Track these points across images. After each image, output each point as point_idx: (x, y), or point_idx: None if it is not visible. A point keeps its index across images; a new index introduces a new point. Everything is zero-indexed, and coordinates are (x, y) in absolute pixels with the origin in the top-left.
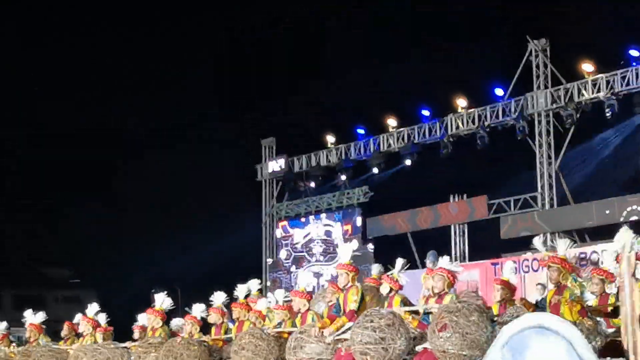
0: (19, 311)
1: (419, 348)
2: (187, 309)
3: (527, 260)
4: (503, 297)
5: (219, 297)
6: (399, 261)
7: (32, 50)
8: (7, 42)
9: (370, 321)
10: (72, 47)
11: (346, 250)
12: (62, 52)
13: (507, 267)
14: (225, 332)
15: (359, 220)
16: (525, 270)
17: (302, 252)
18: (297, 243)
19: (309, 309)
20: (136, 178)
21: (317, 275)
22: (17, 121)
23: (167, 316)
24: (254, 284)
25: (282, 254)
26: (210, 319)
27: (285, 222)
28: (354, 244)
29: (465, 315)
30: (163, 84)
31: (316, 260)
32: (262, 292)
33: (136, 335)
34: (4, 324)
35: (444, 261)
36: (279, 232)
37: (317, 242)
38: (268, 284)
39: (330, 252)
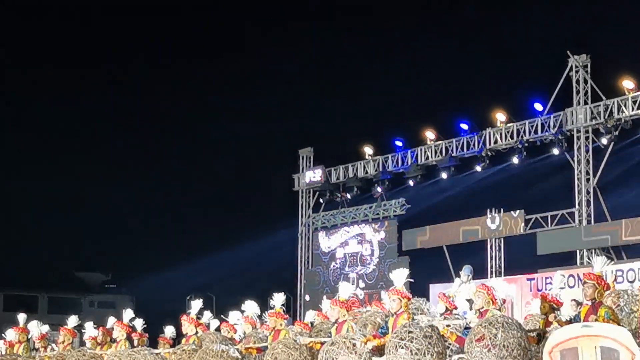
0: (55, 315)
1: (455, 358)
2: (222, 316)
3: (563, 276)
4: (545, 311)
5: (250, 307)
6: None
7: None
8: None
9: (409, 332)
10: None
11: (399, 276)
12: None
13: (557, 280)
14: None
15: (394, 232)
16: (561, 286)
17: (342, 246)
18: (336, 237)
19: (345, 320)
20: (173, 186)
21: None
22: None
23: None
24: (278, 299)
25: (322, 246)
26: (243, 329)
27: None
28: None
29: (504, 330)
30: (204, 92)
31: (351, 256)
32: (286, 307)
33: (160, 346)
34: (46, 327)
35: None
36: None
37: (354, 240)
38: (304, 293)
39: (366, 248)
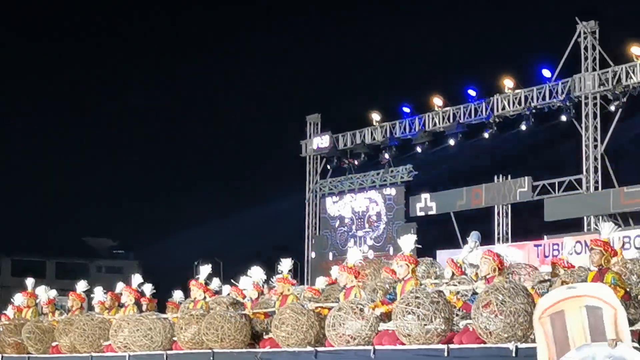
0: (63, 280)
1: (462, 324)
2: (232, 281)
3: (579, 242)
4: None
5: (256, 272)
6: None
7: None
8: None
9: (416, 297)
10: None
11: (407, 242)
12: None
13: (568, 245)
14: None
15: (402, 198)
16: (569, 252)
17: (349, 210)
18: (343, 203)
19: (354, 286)
20: (181, 153)
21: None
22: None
23: None
24: (285, 265)
25: (330, 211)
26: (249, 294)
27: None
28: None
29: (511, 296)
30: (212, 61)
31: (358, 219)
32: (294, 272)
33: (169, 311)
34: (53, 291)
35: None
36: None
37: (362, 204)
38: (312, 256)
39: (373, 218)
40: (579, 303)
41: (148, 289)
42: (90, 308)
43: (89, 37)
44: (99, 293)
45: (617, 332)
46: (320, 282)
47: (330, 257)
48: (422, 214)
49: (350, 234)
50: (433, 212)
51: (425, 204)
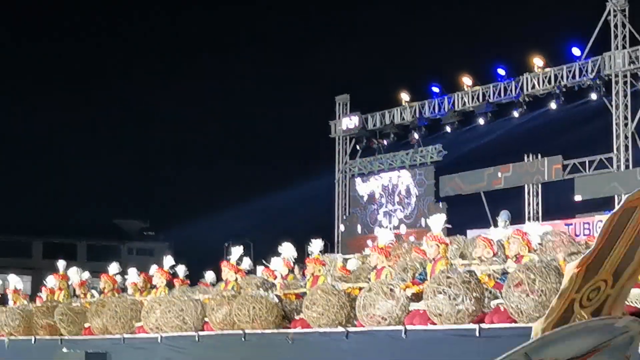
0: (94, 262)
1: (493, 303)
2: (264, 261)
3: (601, 221)
4: None
5: (287, 249)
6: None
7: None
8: None
9: (447, 277)
10: None
11: (437, 222)
12: None
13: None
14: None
15: (432, 178)
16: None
17: (379, 189)
18: (373, 183)
19: (384, 266)
20: (209, 133)
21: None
22: None
23: None
24: (316, 245)
25: (360, 191)
26: (280, 272)
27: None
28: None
29: (542, 275)
30: (240, 40)
31: (388, 195)
32: (324, 252)
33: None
34: (86, 273)
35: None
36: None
37: (392, 182)
38: (342, 229)
39: (403, 194)
40: None
41: (182, 270)
42: (123, 289)
43: (89, 37)
44: (132, 274)
45: None
46: (353, 263)
47: (359, 232)
48: (452, 193)
49: (380, 210)
50: (463, 192)
51: (455, 183)
